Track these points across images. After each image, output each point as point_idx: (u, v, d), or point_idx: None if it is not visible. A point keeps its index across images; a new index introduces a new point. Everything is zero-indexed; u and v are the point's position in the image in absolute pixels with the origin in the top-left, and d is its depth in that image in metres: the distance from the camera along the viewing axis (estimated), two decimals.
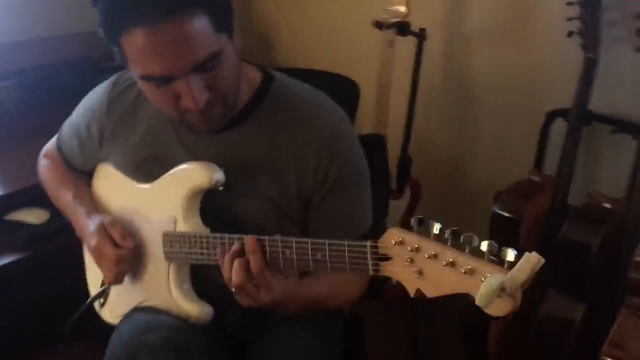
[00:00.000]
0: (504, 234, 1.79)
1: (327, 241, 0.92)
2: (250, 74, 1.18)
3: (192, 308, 1.20)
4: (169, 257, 1.20)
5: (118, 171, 1.31)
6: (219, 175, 1.14)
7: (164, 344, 1.08)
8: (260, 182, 1.16)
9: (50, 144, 1.47)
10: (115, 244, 1.21)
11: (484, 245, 0.77)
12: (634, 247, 1.50)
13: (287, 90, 1.19)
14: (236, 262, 1.01)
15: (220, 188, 1.14)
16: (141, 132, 1.24)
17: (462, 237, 0.78)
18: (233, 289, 1.03)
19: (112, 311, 1.38)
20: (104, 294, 1.40)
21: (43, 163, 1.47)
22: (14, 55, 2.16)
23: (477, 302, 0.73)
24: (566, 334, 1.65)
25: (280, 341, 1.19)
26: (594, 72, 1.65)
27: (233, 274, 1.01)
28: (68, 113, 1.41)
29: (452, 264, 0.77)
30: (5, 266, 1.57)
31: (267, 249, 1.00)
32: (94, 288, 1.44)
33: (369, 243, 0.87)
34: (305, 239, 0.95)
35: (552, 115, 1.81)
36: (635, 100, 1.61)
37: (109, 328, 1.36)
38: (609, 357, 1.47)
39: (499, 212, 1.79)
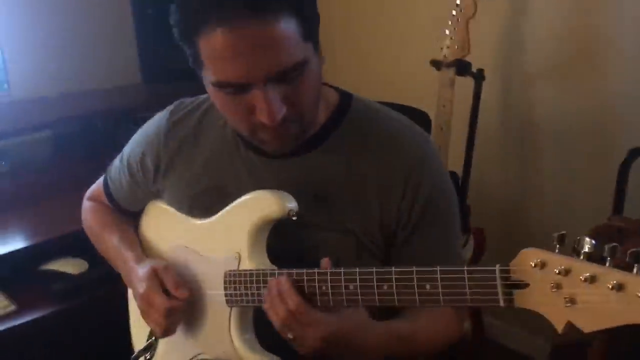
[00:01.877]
0: None
1: (438, 268, 0.76)
2: (326, 93, 1.06)
3: None
4: (231, 300, 1.04)
5: (171, 207, 1.18)
6: (292, 205, 0.99)
7: None
8: (338, 213, 1.02)
9: (95, 185, 1.34)
10: (167, 293, 1.07)
11: None
12: None
13: (368, 111, 1.06)
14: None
15: (294, 218, 0.99)
16: (203, 161, 1.11)
17: (627, 253, 0.63)
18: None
19: None
20: (150, 349, 1.24)
21: (86, 205, 1.34)
22: (48, 107, 2.11)
23: None
24: None
25: None
26: None
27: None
28: (102, 164, 1.31)
29: (620, 287, 0.61)
30: (41, 318, 1.43)
31: (342, 277, 0.85)
32: (139, 343, 1.28)
33: (498, 267, 0.71)
34: (409, 267, 0.79)
35: (632, 154, 1.66)
36: None
37: None
38: None
39: None
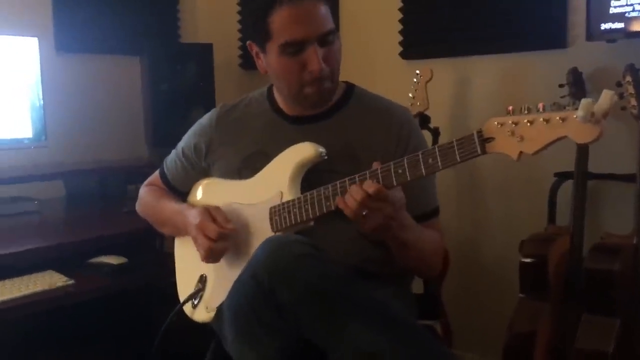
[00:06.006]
0: (533, 277, 2.00)
1: (436, 147, 1.17)
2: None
3: None
4: (276, 225, 1.39)
5: (220, 178, 1.55)
6: (322, 149, 1.39)
7: (306, 241, 1.24)
8: (356, 160, 1.41)
9: (152, 176, 1.72)
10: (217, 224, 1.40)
11: (565, 105, 1.04)
12: None
13: (367, 93, 1.53)
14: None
15: (325, 157, 1.38)
16: (249, 133, 1.51)
17: (547, 105, 1.06)
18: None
19: (207, 306, 1.49)
20: (198, 294, 1.53)
21: (144, 190, 1.70)
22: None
23: (578, 114, 0.98)
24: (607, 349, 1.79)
25: None
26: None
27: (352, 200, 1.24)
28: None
29: (547, 121, 1.03)
30: (95, 289, 1.75)
31: (380, 174, 1.24)
32: (183, 292, 1.57)
33: (475, 132, 1.12)
34: (416, 153, 1.20)
35: (558, 175, 2.14)
36: (625, 158, 1.98)
37: None
38: None
39: (525, 260, 2.02)
